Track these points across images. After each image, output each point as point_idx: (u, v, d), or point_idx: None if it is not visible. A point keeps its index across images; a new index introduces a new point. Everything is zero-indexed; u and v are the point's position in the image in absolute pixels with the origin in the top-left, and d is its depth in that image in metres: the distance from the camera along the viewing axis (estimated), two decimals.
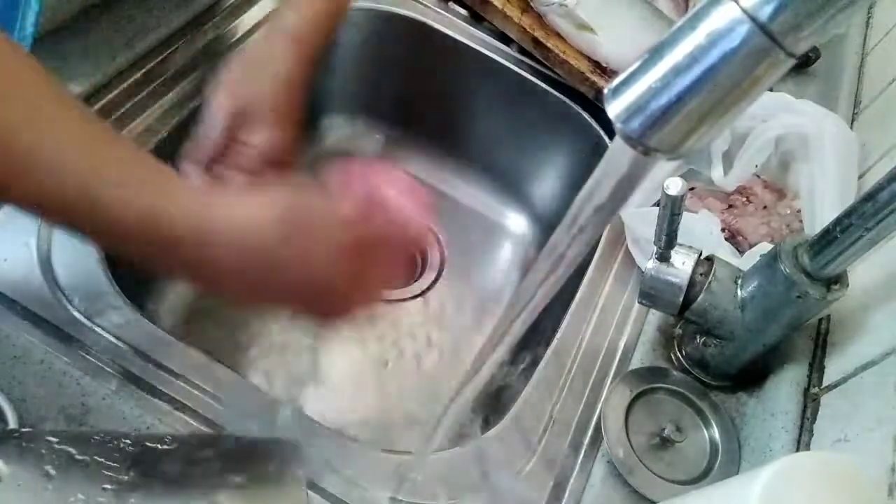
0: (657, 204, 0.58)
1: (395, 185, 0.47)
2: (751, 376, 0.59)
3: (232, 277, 0.39)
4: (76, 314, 0.51)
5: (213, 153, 0.57)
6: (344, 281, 0.42)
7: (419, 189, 0.47)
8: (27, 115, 0.34)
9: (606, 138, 0.79)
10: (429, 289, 0.84)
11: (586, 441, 0.55)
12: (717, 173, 0.68)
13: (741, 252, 0.65)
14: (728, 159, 0.69)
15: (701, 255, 0.56)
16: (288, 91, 0.56)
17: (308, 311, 0.45)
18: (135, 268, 0.39)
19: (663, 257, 0.55)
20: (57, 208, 0.35)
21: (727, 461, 0.55)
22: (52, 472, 0.39)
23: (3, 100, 0.33)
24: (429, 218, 0.46)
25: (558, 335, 0.61)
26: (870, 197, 0.46)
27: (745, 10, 0.23)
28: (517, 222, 0.92)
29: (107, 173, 0.35)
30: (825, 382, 0.55)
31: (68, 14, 0.63)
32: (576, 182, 0.85)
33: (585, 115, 0.81)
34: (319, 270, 0.41)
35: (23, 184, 0.34)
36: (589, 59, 0.79)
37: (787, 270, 0.51)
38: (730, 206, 0.69)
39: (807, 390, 0.55)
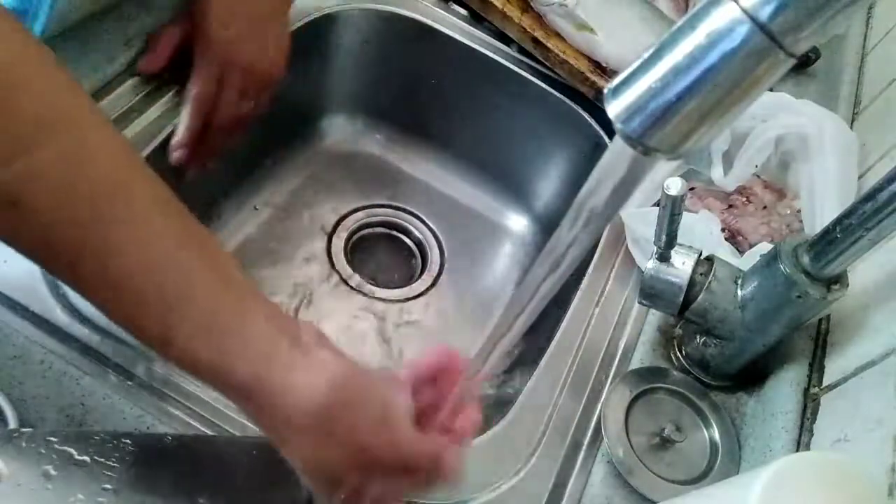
0: (657, 204, 0.58)
1: (464, 415, 0.43)
2: (751, 376, 0.59)
3: (276, 433, 0.38)
4: (76, 314, 0.51)
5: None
6: (360, 475, 0.39)
7: (475, 425, 0.43)
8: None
9: (606, 138, 0.79)
10: (429, 289, 0.84)
11: (586, 441, 0.55)
12: (717, 173, 0.68)
13: (741, 252, 0.65)
14: (728, 159, 0.69)
15: (701, 255, 0.56)
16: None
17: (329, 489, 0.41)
18: None
19: (663, 257, 0.55)
20: (129, 326, 0.36)
21: (727, 461, 0.55)
22: (52, 472, 0.39)
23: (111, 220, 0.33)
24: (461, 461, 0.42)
25: (558, 335, 0.61)
26: (870, 197, 0.46)
27: (745, 10, 0.23)
28: (517, 222, 0.92)
29: (188, 314, 0.35)
30: (825, 382, 0.55)
31: (76, 19, 0.63)
32: (576, 182, 0.85)
33: (585, 115, 0.81)
34: (350, 448, 0.38)
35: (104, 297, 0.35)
36: (589, 59, 0.79)
37: (787, 270, 0.51)
38: (730, 206, 0.69)
39: (807, 390, 0.55)
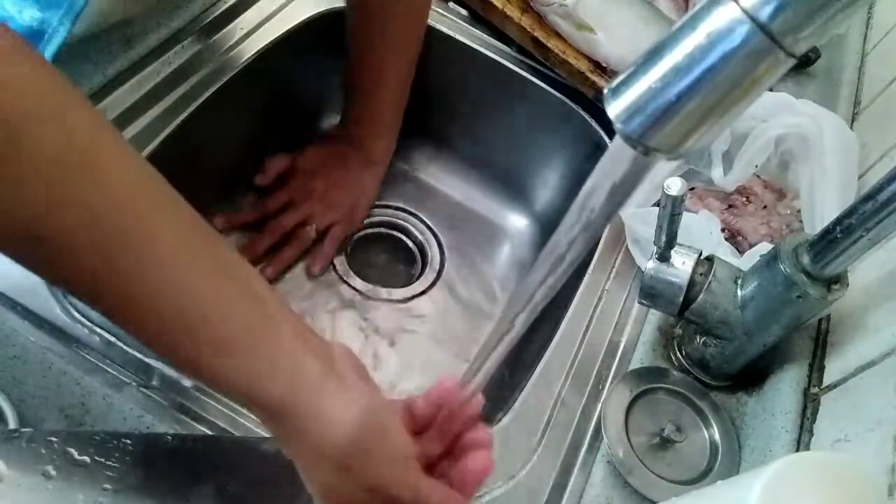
0: (657, 204, 0.58)
1: (477, 446, 0.42)
2: (751, 376, 0.59)
3: (300, 458, 0.39)
4: (76, 314, 0.51)
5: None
6: None
7: (489, 463, 0.43)
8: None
9: (606, 138, 0.79)
10: (429, 289, 0.84)
11: (586, 441, 0.55)
12: (717, 173, 0.68)
13: (741, 252, 0.65)
14: (728, 159, 0.69)
15: (701, 255, 0.56)
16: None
17: None
18: None
19: (663, 257, 0.55)
20: (155, 348, 0.36)
21: (727, 461, 0.55)
22: (52, 472, 0.39)
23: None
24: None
25: (558, 335, 0.61)
26: (870, 197, 0.46)
27: (745, 10, 0.23)
28: (517, 222, 0.92)
29: (211, 335, 0.35)
30: (825, 382, 0.55)
31: (94, 31, 0.63)
32: (576, 182, 0.85)
33: (585, 115, 0.81)
34: (370, 484, 0.38)
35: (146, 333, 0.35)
36: (589, 59, 0.79)
37: (787, 270, 0.51)
38: (730, 206, 0.69)
39: (807, 390, 0.55)
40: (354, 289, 0.81)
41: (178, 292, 0.34)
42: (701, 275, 0.55)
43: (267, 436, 0.50)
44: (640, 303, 0.59)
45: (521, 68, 0.82)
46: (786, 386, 0.55)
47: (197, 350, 0.35)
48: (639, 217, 0.65)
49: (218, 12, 0.73)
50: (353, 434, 0.37)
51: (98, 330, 0.51)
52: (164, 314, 0.34)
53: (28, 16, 0.52)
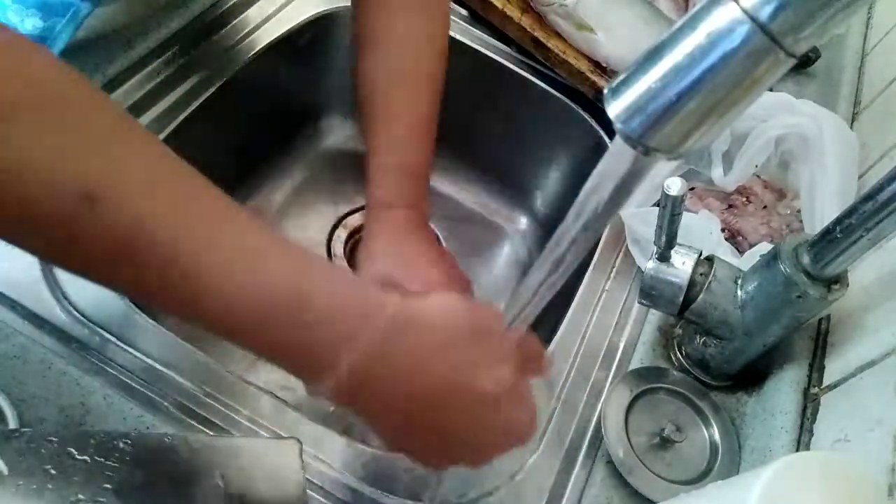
0: (657, 204, 0.58)
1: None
2: (751, 376, 0.59)
3: (422, 366, 0.36)
4: (76, 314, 0.51)
5: None
6: (496, 402, 0.37)
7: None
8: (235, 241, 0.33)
9: (606, 138, 0.79)
10: None
11: (586, 441, 0.55)
12: (717, 173, 0.68)
13: (741, 252, 0.65)
14: (728, 159, 0.69)
15: (701, 255, 0.56)
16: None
17: (454, 427, 0.38)
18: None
19: (663, 257, 0.55)
20: (265, 312, 0.33)
21: (727, 461, 0.55)
22: (53, 471, 0.39)
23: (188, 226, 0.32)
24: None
25: (558, 335, 0.61)
26: (870, 197, 0.46)
27: (745, 10, 0.23)
28: (517, 222, 0.92)
29: (315, 270, 0.35)
30: (825, 382, 0.55)
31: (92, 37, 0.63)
32: (576, 182, 0.85)
33: (585, 115, 0.81)
34: (486, 374, 0.37)
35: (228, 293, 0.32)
36: (589, 59, 0.79)
37: (787, 270, 0.51)
38: (730, 206, 0.69)
39: (807, 390, 0.55)
40: None
41: (261, 256, 0.33)
42: (701, 275, 0.55)
43: (266, 436, 0.50)
44: (640, 303, 0.59)
45: (521, 68, 0.82)
46: (786, 386, 0.55)
47: (298, 296, 0.33)
48: (639, 217, 0.65)
49: (218, 12, 0.73)
50: (469, 307, 0.37)
51: (98, 330, 0.51)
52: (242, 277, 0.32)
53: (30, 24, 0.52)
